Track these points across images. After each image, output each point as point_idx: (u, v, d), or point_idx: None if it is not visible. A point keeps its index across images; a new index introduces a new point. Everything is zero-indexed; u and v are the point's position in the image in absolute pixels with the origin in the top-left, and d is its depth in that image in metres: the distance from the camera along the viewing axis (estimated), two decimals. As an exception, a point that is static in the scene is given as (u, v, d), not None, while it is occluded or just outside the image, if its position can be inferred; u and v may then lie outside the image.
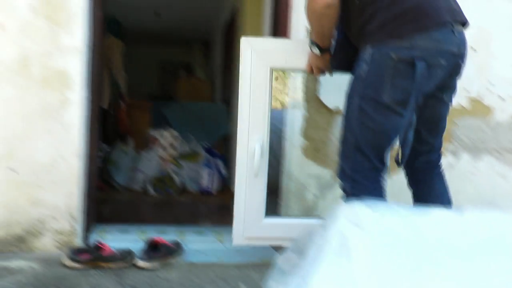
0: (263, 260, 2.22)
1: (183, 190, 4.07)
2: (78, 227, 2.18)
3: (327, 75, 1.96)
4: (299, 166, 2.38)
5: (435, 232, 1.19)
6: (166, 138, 4.31)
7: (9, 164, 2.09)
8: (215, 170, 4.07)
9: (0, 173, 2.09)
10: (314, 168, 2.39)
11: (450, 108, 1.78)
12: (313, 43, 1.77)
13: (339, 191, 2.34)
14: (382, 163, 1.65)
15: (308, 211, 2.38)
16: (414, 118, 1.60)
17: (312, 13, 1.64)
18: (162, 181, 3.95)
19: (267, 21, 2.88)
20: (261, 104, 2.02)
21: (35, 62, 2.08)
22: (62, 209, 2.14)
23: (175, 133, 4.40)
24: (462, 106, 2.44)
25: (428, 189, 1.83)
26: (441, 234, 1.22)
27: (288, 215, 2.36)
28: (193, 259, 2.20)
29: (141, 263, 2.05)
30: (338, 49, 1.81)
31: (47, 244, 2.14)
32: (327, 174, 2.40)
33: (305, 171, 2.39)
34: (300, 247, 1.41)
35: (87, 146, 2.21)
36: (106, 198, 3.52)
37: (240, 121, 2.02)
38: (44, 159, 2.11)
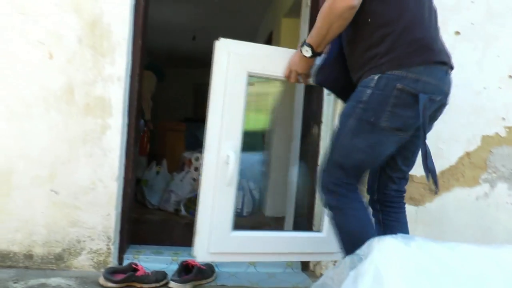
0: (297, 286, 2.23)
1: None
2: (114, 247, 2.25)
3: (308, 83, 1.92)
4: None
5: (467, 267, 1.19)
6: (199, 159, 4.38)
7: (51, 186, 2.19)
8: (247, 192, 4.11)
9: (43, 194, 2.18)
10: (347, 195, 2.39)
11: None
12: (307, 44, 1.72)
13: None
14: (359, 183, 1.71)
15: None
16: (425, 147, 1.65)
17: (330, 12, 1.59)
18: (195, 202, 4.00)
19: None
20: (236, 109, 1.89)
21: (79, 90, 2.19)
22: (99, 230, 2.21)
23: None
24: (498, 135, 2.41)
25: (397, 216, 1.88)
26: (474, 269, 1.22)
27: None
28: (225, 282, 2.23)
29: (173, 284, 2.09)
30: (328, 63, 1.81)
31: (83, 263, 2.21)
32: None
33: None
34: (336, 278, 1.42)
35: (124, 170, 2.29)
36: (139, 218, 3.61)
37: (212, 126, 1.87)
38: (83, 182, 2.20)
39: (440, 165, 2.41)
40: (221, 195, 1.89)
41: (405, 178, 1.88)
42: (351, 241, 1.64)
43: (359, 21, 1.63)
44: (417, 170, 2.37)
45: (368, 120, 1.60)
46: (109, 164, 2.21)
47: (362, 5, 1.58)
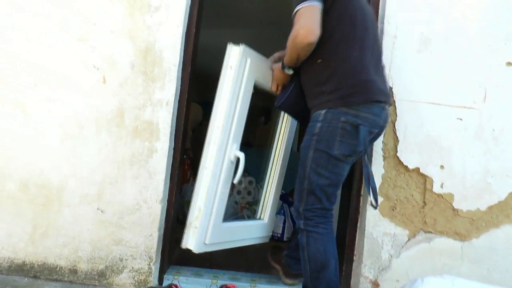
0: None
1: (256, 236, 4.09)
2: (155, 267, 2.29)
3: None
4: (374, 224, 2.35)
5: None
6: (242, 183, 4.40)
7: (98, 205, 2.27)
8: (289, 218, 4.08)
9: (90, 212, 2.27)
10: (390, 227, 2.35)
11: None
12: (287, 66, 2.08)
13: (415, 251, 2.31)
14: (331, 203, 2.02)
15: (382, 269, 2.32)
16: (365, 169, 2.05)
17: (294, 45, 1.92)
18: (236, 225, 4.01)
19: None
20: (244, 113, 2.11)
21: (129, 113, 2.28)
22: (141, 250, 2.27)
23: (252, 179, 4.49)
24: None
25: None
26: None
27: (360, 271, 2.32)
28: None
29: (212, 308, 2.10)
30: (291, 93, 2.14)
31: (125, 281, 2.27)
32: (404, 233, 2.35)
33: (380, 229, 2.35)
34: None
35: (168, 192, 2.35)
36: (180, 239, 3.65)
37: (222, 126, 2.00)
38: (129, 202, 2.27)
39: (488, 200, 2.33)
40: (224, 191, 2.08)
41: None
42: (314, 262, 1.96)
43: (311, 59, 1.97)
44: (463, 204, 2.32)
45: (324, 150, 1.95)
46: (154, 186, 2.27)
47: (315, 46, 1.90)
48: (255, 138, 6.44)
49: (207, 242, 2.08)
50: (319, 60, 1.96)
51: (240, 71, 2.05)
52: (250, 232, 2.53)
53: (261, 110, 8.49)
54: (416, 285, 1.21)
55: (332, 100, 1.94)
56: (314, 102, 2.01)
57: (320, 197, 1.97)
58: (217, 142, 2.00)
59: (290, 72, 2.10)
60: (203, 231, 2.04)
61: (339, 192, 2.13)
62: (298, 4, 1.89)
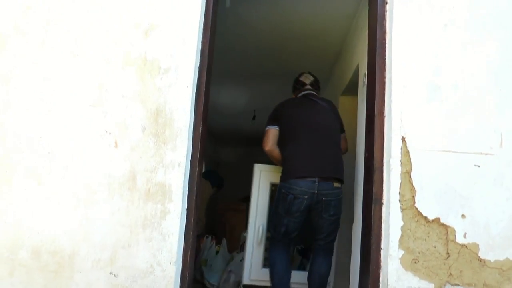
0: None
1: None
2: (171, 333, 2.21)
3: None
4: (397, 278, 2.25)
5: None
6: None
7: (111, 269, 2.22)
8: (308, 274, 3.96)
9: (103, 277, 2.22)
10: (414, 281, 2.25)
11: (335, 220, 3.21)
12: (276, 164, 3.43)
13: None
14: (288, 241, 3.27)
15: (408, 326, 2.20)
16: (298, 222, 3.17)
17: (265, 152, 3.31)
18: (255, 283, 3.91)
19: (361, 126, 2.93)
20: (265, 201, 3.63)
21: (141, 176, 2.28)
22: (156, 315, 2.19)
23: (269, 234, 4.41)
24: None
25: (317, 260, 3.25)
26: None
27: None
28: None
29: None
30: None
31: None
32: (429, 286, 2.24)
33: (403, 284, 2.25)
34: None
35: (183, 254, 2.30)
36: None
37: (252, 213, 3.59)
38: (142, 265, 2.22)
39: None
40: (257, 248, 3.57)
41: (319, 238, 3.24)
42: (274, 276, 3.20)
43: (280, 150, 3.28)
44: (489, 254, 2.23)
45: (276, 209, 3.21)
46: (167, 248, 2.23)
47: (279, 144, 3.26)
48: (273, 193, 6.42)
49: (251, 278, 3.53)
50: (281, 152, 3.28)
51: (257, 179, 3.69)
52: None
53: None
54: None
55: (281, 177, 3.19)
56: None
57: (278, 236, 3.23)
58: (251, 220, 3.59)
59: (279, 165, 3.35)
60: (247, 271, 3.56)
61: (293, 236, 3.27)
62: (266, 126, 3.31)
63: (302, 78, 3.51)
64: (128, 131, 2.31)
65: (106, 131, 2.32)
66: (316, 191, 3.01)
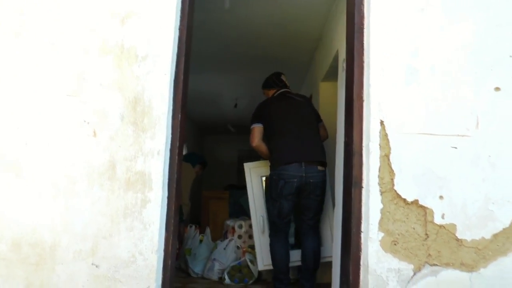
0: None
1: (260, 280, 4.02)
2: (154, 322, 2.21)
3: None
4: (377, 260, 2.28)
5: None
6: (243, 227, 4.35)
7: (92, 260, 2.22)
8: (292, 259, 4.00)
9: (85, 268, 2.21)
10: (394, 262, 2.28)
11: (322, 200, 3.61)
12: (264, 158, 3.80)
13: (422, 286, 2.24)
14: (284, 225, 3.56)
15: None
16: (290, 204, 3.51)
17: (253, 148, 3.67)
18: (239, 270, 3.94)
19: (341, 111, 2.94)
20: (260, 194, 3.92)
21: (120, 165, 2.26)
22: (139, 304, 2.20)
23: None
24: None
25: (308, 238, 3.57)
26: None
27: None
28: None
29: None
30: None
31: None
32: (408, 268, 2.28)
33: (383, 265, 2.28)
34: None
35: (164, 242, 2.30)
36: (182, 287, 3.56)
37: (252, 207, 3.89)
38: (124, 255, 2.22)
39: (492, 228, 2.27)
40: (264, 237, 3.80)
41: (308, 218, 3.59)
42: (274, 260, 3.53)
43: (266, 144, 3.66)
44: (466, 234, 2.27)
45: (269, 195, 3.57)
46: (149, 237, 2.23)
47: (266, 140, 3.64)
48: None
49: (264, 264, 3.80)
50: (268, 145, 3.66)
51: (248, 175, 3.96)
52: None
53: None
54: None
55: (271, 162, 3.59)
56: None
57: (276, 221, 3.54)
58: (252, 212, 3.89)
59: (267, 159, 3.75)
60: (260, 259, 3.82)
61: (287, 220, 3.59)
62: (251, 124, 3.66)
63: (283, 78, 3.91)
64: (106, 120, 2.29)
65: (85, 121, 2.29)
66: (304, 174, 3.40)
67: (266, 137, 3.66)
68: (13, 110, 2.31)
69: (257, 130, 3.62)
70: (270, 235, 3.59)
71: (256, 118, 3.68)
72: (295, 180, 3.40)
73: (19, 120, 2.30)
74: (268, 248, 3.60)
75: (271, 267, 3.65)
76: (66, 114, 2.31)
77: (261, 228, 3.79)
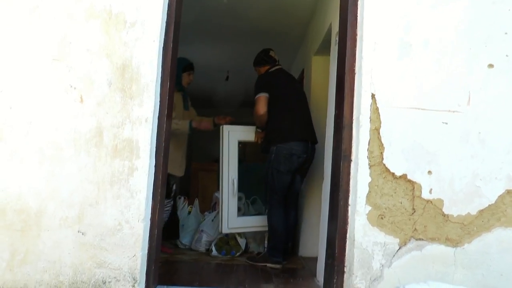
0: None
1: (247, 252, 4.05)
2: (140, 289, 2.22)
3: None
4: (363, 233, 2.30)
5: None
6: (231, 200, 4.34)
7: (79, 227, 2.21)
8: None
9: (71, 235, 2.20)
10: (380, 236, 2.30)
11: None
12: (259, 128, 3.92)
13: (407, 259, 2.26)
14: (283, 197, 3.70)
15: (374, 279, 2.26)
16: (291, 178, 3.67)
17: (255, 117, 3.75)
18: (226, 242, 3.95)
19: (333, 85, 2.92)
20: (235, 158, 4.02)
21: (107, 132, 2.23)
22: (124, 271, 2.20)
23: (241, 194, 4.44)
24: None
25: (291, 213, 3.86)
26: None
27: (352, 283, 2.26)
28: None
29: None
30: (263, 143, 3.91)
31: (110, 306, 2.19)
32: (394, 242, 2.30)
33: (369, 239, 2.30)
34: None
35: (151, 211, 2.29)
36: (169, 258, 3.58)
37: (224, 166, 3.95)
38: (110, 223, 2.21)
39: (478, 204, 2.29)
40: (232, 199, 3.96)
41: (295, 194, 3.87)
42: (276, 230, 3.65)
43: (268, 122, 3.72)
44: (453, 209, 2.28)
45: (276, 168, 3.61)
46: (135, 205, 2.21)
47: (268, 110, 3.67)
48: (245, 155, 6.44)
49: (229, 227, 3.89)
50: (269, 118, 3.70)
51: (226, 138, 3.97)
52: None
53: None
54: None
55: (277, 137, 3.63)
56: (269, 143, 3.71)
57: (277, 193, 3.66)
58: (224, 173, 3.94)
59: (260, 131, 3.93)
60: (225, 221, 3.88)
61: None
62: (255, 94, 3.70)
63: (272, 54, 3.92)
64: (93, 86, 2.25)
65: (71, 86, 2.24)
66: (309, 152, 3.63)
67: (270, 108, 3.68)
68: (-3, 73, 2.25)
69: (264, 99, 3.66)
70: (272, 207, 3.68)
71: (262, 88, 3.71)
72: (305, 156, 3.60)
73: (3, 83, 2.25)
74: (235, 212, 3.89)
75: (235, 231, 3.94)
76: (52, 78, 2.26)
77: (233, 191, 3.92)
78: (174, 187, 3.95)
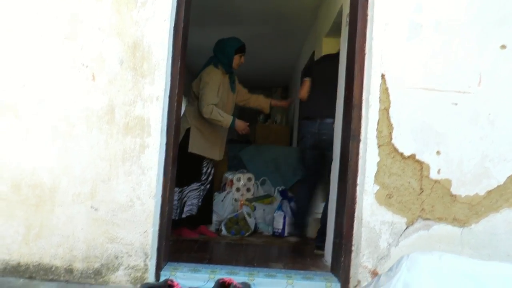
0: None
1: (256, 232, 4.10)
2: (151, 264, 2.27)
3: None
4: (371, 213, 2.32)
5: (497, 284, 1.11)
6: (241, 180, 4.39)
7: (91, 203, 2.26)
8: (289, 213, 4.07)
9: (84, 211, 2.25)
10: (387, 215, 2.32)
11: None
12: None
13: (414, 239, 2.28)
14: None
15: (381, 258, 2.29)
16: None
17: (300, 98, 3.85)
18: (236, 222, 4.01)
19: (343, 65, 2.92)
20: None
21: (119, 110, 2.26)
22: (136, 246, 2.25)
23: (251, 175, 4.48)
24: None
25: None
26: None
27: (359, 261, 2.30)
28: (261, 301, 2.23)
29: (208, 302, 2.17)
30: None
31: (121, 278, 2.25)
32: (401, 221, 2.32)
33: (377, 218, 2.32)
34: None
35: (162, 188, 2.33)
36: (179, 238, 3.64)
37: None
38: (122, 199, 2.25)
39: (486, 185, 2.30)
40: None
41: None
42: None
43: None
44: (461, 190, 2.29)
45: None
46: (147, 182, 2.25)
47: None
48: (255, 136, 6.45)
49: None
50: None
51: None
52: None
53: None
54: (401, 262, 1.19)
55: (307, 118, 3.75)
56: None
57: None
58: None
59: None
60: None
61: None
62: (303, 77, 3.86)
63: None
64: (105, 64, 2.28)
65: (83, 64, 2.28)
66: (317, 131, 3.64)
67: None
68: (10, 51, 2.29)
69: (308, 83, 3.72)
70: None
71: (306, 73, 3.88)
72: (313, 133, 3.70)
73: (16, 62, 2.29)
74: None
75: None
76: (64, 57, 2.29)
77: None
78: (209, 169, 3.89)
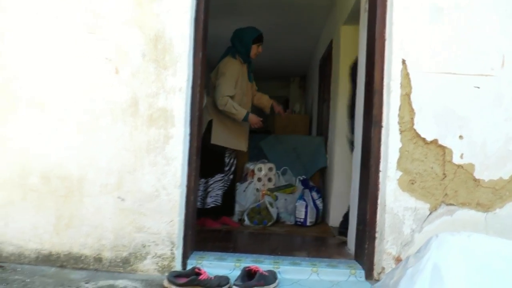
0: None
1: (278, 222, 4.13)
2: (177, 252, 2.32)
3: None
4: (394, 199, 2.32)
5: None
6: (262, 170, 4.42)
7: (118, 194, 2.31)
8: (311, 203, 4.08)
9: (111, 201, 2.31)
10: (411, 201, 2.32)
11: None
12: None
13: (437, 224, 2.28)
14: None
15: (405, 244, 2.30)
16: None
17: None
18: (258, 212, 4.04)
19: (362, 52, 2.90)
20: None
21: (143, 102, 2.31)
22: (163, 236, 2.30)
23: (272, 165, 4.50)
24: None
25: None
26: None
27: (383, 248, 2.30)
28: (287, 288, 2.25)
29: (236, 288, 2.20)
30: None
31: (148, 267, 2.30)
32: (425, 207, 2.32)
33: (400, 204, 2.32)
34: (396, 277, 1.39)
35: (187, 178, 2.37)
36: (203, 228, 3.69)
37: None
38: (148, 189, 2.30)
39: (510, 169, 2.28)
40: None
41: None
42: None
43: None
44: (484, 174, 2.28)
45: None
46: (172, 172, 2.30)
47: None
48: (275, 126, 6.45)
49: None
50: None
51: None
52: None
53: (278, 98, 8.52)
54: (430, 242, 1.20)
55: None
56: None
57: None
58: None
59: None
60: None
61: None
62: None
63: None
64: (128, 58, 2.32)
65: (106, 58, 2.32)
66: None
67: None
68: (35, 47, 2.35)
69: None
70: None
71: None
72: None
73: (41, 57, 2.34)
74: None
75: None
76: (88, 51, 2.34)
77: None
78: (232, 160, 3.92)
